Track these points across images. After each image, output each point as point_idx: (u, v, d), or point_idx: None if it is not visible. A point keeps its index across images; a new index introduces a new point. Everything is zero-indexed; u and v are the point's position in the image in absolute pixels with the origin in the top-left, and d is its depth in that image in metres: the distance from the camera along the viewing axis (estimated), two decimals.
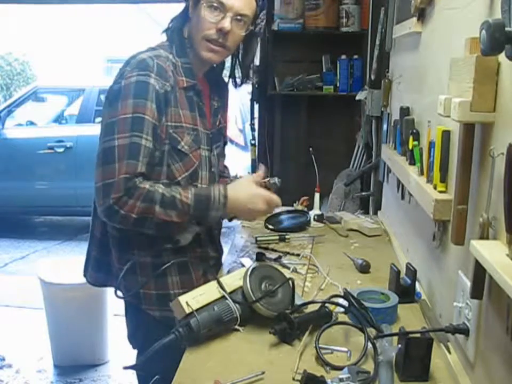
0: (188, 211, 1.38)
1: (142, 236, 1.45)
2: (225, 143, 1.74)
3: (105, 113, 1.42)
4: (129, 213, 1.34)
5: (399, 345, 1.17)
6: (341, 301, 1.43)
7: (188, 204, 1.38)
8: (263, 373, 1.19)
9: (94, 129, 4.27)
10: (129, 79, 1.38)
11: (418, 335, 1.21)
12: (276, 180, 1.62)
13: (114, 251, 1.52)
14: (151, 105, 1.37)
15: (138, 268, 1.49)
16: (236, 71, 1.65)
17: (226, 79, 1.70)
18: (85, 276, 1.66)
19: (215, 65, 1.63)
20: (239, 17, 1.47)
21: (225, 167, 1.83)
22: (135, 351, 1.61)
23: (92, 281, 1.65)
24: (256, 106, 3.71)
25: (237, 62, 1.64)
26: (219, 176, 1.68)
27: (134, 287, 1.48)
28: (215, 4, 1.44)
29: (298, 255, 1.94)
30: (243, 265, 1.81)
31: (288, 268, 1.80)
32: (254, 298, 1.38)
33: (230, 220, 1.67)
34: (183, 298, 1.37)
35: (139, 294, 1.50)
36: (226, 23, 1.44)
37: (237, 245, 2.10)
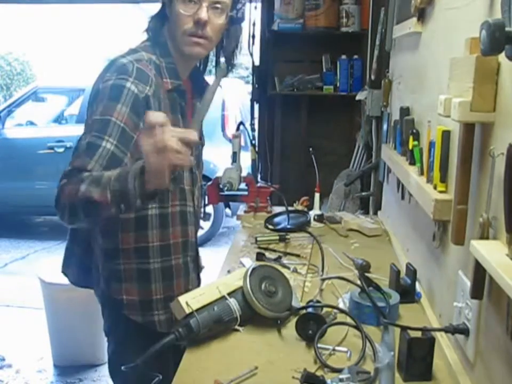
0: (108, 184, 1.21)
1: (128, 246, 1.46)
2: (202, 145, 1.70)
3: (86, 115, 1.42)
4: (65, 200, 1.26)
5: (392, 353, 1.17)
6: (341, 302, 1.43)
7: (109, 177, 1.22)
8: (256, 367, 1.20)
9: None
10: (107, 83, 1.37)
11: (419, 335, 1.21)
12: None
13: (100, 259, 1.51)
14: (121, 108, 1.33)
15: (123, 275, 1.48)
16: (220, 60, 1.62)
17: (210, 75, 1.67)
18: (65, 274, 1.64)
19: (198, 64, 1.63)
20: (215, 5, 1.44)
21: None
22: None
23: (74, 281, 1.64)
24: (256, 106, 3.71)
25: (221, 50, 1.61)
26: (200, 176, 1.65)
27: (117, 294, 1.49)
28: None
29: (298, 255, 1.94)
30: (243, 265, 1.81)
31: (288, 268, 1.80)
32: (254, 299, 1.38)
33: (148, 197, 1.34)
34: (183, 298, 1.37)
35: (122, 300, 1.49)
36: (203, 14, 1.41)
37: (237, 245, 2.10)
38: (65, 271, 1.65)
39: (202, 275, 1.79)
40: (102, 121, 1.32)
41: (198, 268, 1.72)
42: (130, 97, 1.34)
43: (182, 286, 1.55)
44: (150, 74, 1.40)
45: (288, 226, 2.19)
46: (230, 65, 1.63)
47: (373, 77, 2.99)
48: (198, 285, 1.68)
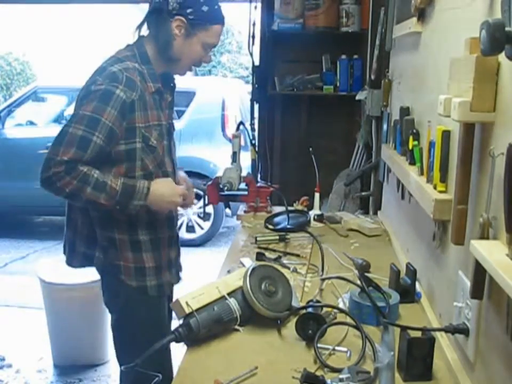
0: (115, 196, 1.58)
1: (122, 216, 1.66)
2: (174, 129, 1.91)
3: (74, 111, 1.63)
4: (64, 187, 1.55)
5: (392, 353, 1.17)
6: (341, 302, 1.43)
7: (116, 190, 1.57)
8: (256, 367, 1.20)
9: None
10: (99, 86, 1.58)
11: (419, 335, 1.21)
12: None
13: (97, 229, 1.70)
14: (110, 110, 1.56)
15: (118, 244, 1.68)
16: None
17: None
18: (69, 264, 1.81)
19: None
20: None
21: None
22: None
23: (78, 265, 1.79)
24: (256, 106, 3.71)
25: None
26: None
27: (114, 259, 1.68)
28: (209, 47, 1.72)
29: (298, 255, 1.94)
30: (243, 265, 1.81)
31: (288, 268, 1.80)
32: (254, 298, 1.38)
33: None
34: (183, 299, 1.37)
35: (120, 266, 1.68)
36: (210, 58, 1.77)
37: (237, 245, 2.11)
38: (69, 262, 1.80)
39: (202, 275, 1.81)
40: (92, 118, 1.55)
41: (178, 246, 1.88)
42: (118, 102, 1.57)
43: (166, 256, 1.76)
44: (136, 81, 1.61)
45: (288, 226, 2.19)
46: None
47: (373, 77, 2.99)
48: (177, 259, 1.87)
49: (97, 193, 1.56)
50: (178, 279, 1.87)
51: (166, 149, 1.73)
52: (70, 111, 6.26)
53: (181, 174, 1.89)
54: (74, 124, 1.55)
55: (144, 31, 1.74)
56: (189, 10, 1.64)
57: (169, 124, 1.77)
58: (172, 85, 1.84)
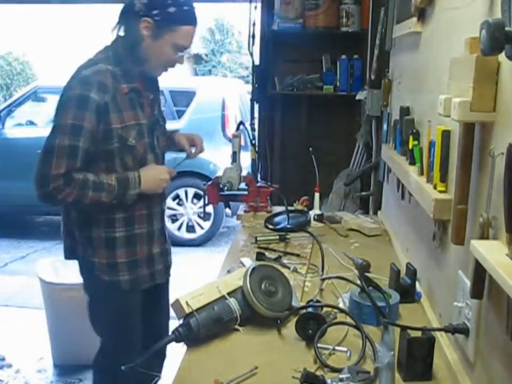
0: (113, 191, 1.67)
1: (99, 215, 1.73)
2: (164, 122, 1.96)
3: (53, 119, 1.68)
4: (66, 198, 1.62)
5: (392, 352, 1.17)
6: (341, 302, 1.43)
7: (113, 185, 1.67)
8: (256, 367, 1.20)
9: None
10: (74, 91, 1.63)
11: (419, 335, 1.21)
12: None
13: (75, 230, 1.79)
14: (90, 115, 1.61)
15: (94, 242, 1.75)
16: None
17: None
18: (64, 255, 1.90)
19: None
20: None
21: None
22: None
23: (67, 257, 1.89)
24: (256, 106, 3.71)
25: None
26: (163, 153, 1.91)
27: (90, 256, 1.76)
28: (180, 48, 1.71)
29: (298, 255, 1.94)
30: (243, 265, 1.81)
31: (288, 268, 1.80)
32: (254, 298, 1.38)
33: None
34: (183, 299, 1.37)
35: (94, 262, 1.76)
36: (183, 60, 1.77)
37: (237, 244, 2.11)
38: (66, 255, 1.88)
39: (202, 275, 1.81)
40: (75, 126, 1.61)
41: (165, 239, 1.92)
42: (94, 106, 1.61)
43: (145, 252, 1.80)
44: (107, 83, 1.65)
45: (288, 226, 2.19)
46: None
47: (373, 77, 2.99)
48: (165, 257, 1.91)
49: (98, 194, 1.65)
50: (165, 274, 1.90)
51: (148, 147, 1.77)
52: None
53: (183, 133, 2.01)
54: (60, 135, 1.61)
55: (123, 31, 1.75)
56: (155, 12, 1.64)
57: (151, 122, 1.79)
58: (155, 83, 1.86)
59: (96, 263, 1.76)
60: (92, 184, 1.64)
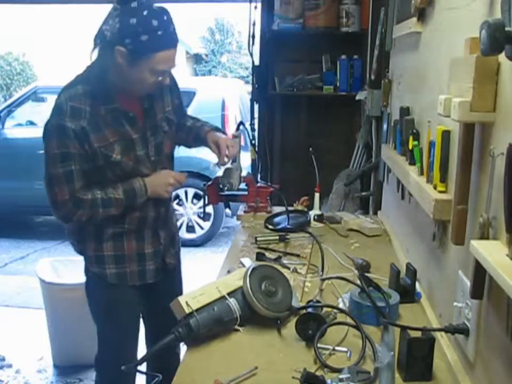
0: (122, 204, 1.73)
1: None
2: (164, 132, 1.87)
3: (43, 147, 1.68)
4: (80, 218, 1.71)
5: (392, 353, 1.17)
6: (341, 302, 1.43)
7: (121, 199, 1.73)
8: (256, 367, 1.20)
9: None
10: (51, 121, 1.65)
11: (419, 335, 1.21)
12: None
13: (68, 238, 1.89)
14: (71, 141, 1.63)
15: (86, 237, 1.81)
16: None
17: None
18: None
19: None
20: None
21: (197, 120, 2.14)
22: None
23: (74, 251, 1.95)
24: (256, 106, 3.71)
25: None
26: (169, 157, 1.90)
27: (82, 250, 1.84)
28: (161, 73, 1.64)
29: (298, 255, 1.94)
30: (243, 265, 1.81)
31: (288, 268, 1.80)
32: (254, 299, 1.38)
33: None
34: (183, 299, 1.37)
35: (86, 255, 1.84)
36: (167, 80, 1.70)
37: (237, 245, 2.11)
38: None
39: (202, 275, 1.81)
40: (62, 154, 1.64)
41: (160, 241, 1.89)
42: (71, 132, 1.62)
43: (133, 248, 1.82)
44: (81, 107, 1.64)
45: (288, 226, 2.19)
46: None
47: (373, 77, 2.99)
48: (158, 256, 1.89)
49: (108, 210, 1.72)
50: (156, 275, 1.87)
51: (142, 158, 1.75)
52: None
53: (219, 136, 1.96)
54: (52, 165, 1.66)
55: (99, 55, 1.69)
56: (127, 41, 1.55)
57: (147, 131, 1.76)
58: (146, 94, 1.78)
59: (87, 256, 1.84)
60: (101, 202, 1.71)
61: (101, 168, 1.70)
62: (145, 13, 1.55)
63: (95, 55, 1.67)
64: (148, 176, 1.78)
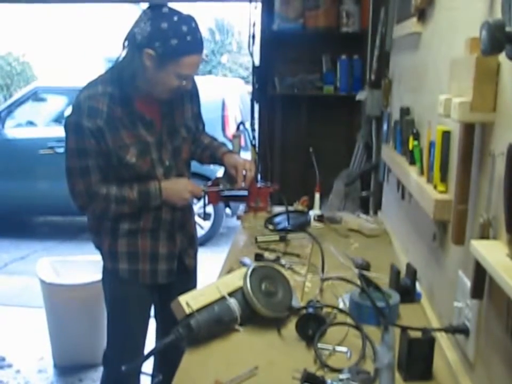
0: (136, 204, 1.78)
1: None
2: (202, 125, 2.08)
3: (64, 140, 1.75)
4: (94, 210, 1.80)
5: (392, 353, 1.17)
6: (341, 302, 1.43)
7: (135, 199, 1.77)
8: (256, 367, 1.20)
9: None
10: (70, 119, 1.71)
11: (419, 335, 1.21)
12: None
13: (89, 220, 1.93)
14: (88, 139, 1.68)
15: (103, 232, 1.87)
16: None
17: None
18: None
19: None
20: None
21: (215, 139, 2.16)
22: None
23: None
24: (256, 106, 3.71)
25: None
26: (187, 162, 1.96)
27: (99, 244, 1.90)
28: (185, 77, 1.69)
29: (298, 255, 1.94)
30: (243, 265, 1.81)
31: (288, 268, 1.80)
32: (254, 299, 1.38)
33: None
34: (183, 299, 1.37)
35: (101, 251, 1.90)
36: (190, 85, 1.76)
37: (237, 245, 2.11)
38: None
39: (202, 275, 1.82)
40: (79, 149, 1.70)
41: (176, 243, 1.92)
42: (89, 131, 1.67)
43: (147, 246, 1.85)
44: (99, 107, 1.68)
45: (288, 227, 2.19)
46: None
47: (373, 77, 2.99)
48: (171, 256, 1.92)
49: (120, 207, 1.78)
50: (167, 277, 1.89)
51: (157, 162, 1.79)
52: (69, 111, 6.26)
53: (236, 159, 1.98)
54: (70, 158, 1.73)
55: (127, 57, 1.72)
56: (157, 44, 1.61)
57: (164, 135, 1.80)
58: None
59: (102, 251, 1.89)
60: (114, 199, 1.76)
61: (116, 168, 1.75)
62: (175, 18, 1.61)
63: (120, 58, 1.72)
64: (162, 180, 1.81)
